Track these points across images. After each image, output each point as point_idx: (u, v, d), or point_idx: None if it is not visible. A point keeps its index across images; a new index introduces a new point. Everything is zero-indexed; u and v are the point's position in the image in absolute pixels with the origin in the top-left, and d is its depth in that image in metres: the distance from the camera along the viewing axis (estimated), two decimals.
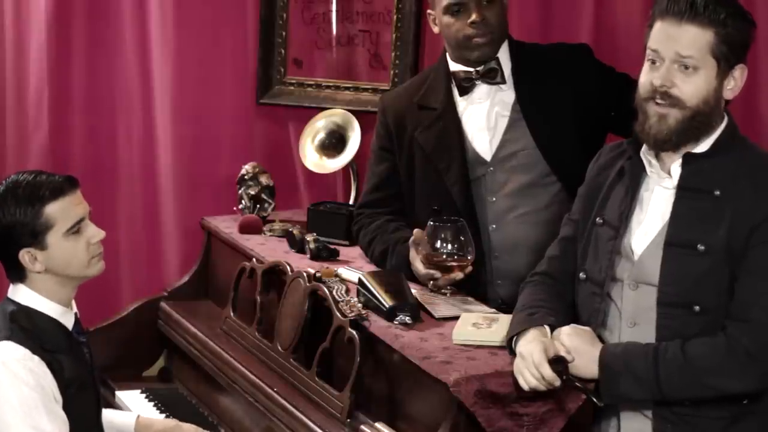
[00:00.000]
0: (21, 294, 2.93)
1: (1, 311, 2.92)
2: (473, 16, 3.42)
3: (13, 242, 2.88)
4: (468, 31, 3.45)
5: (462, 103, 3.54)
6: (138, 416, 3.28)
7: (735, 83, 2.78)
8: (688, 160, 2.79)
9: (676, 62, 2.74)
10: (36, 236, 2.87)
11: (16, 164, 4.63)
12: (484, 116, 3.51)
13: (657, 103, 2.76)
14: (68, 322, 2.96)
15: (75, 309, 3.02)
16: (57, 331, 2.92)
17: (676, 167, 2.81)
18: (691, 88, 2.74)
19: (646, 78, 2.78)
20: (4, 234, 2.88)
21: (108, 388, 3.81)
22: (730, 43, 2.73)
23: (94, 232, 2.94)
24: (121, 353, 3.95)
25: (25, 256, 2.88)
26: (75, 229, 2.91)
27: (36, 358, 2.83)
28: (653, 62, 2.77)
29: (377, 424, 2.95)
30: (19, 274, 2.93)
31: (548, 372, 2.71)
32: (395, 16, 4.28)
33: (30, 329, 2.87)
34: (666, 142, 2.78)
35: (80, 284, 3.00)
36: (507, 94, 3.50)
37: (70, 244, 2.90)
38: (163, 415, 3.63)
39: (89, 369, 3.01)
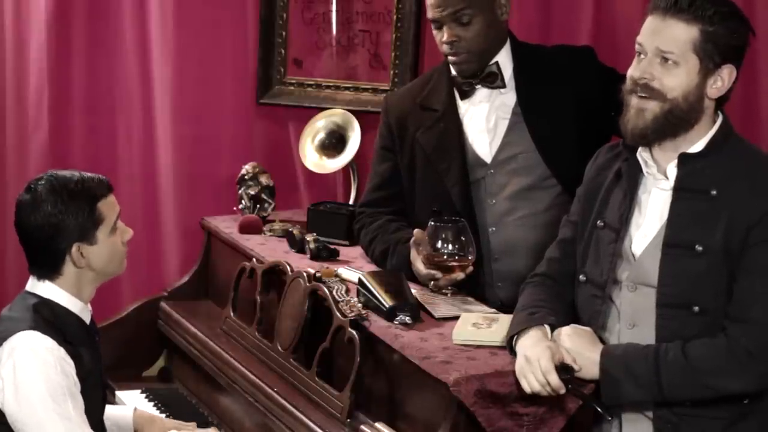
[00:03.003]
0: (42, 288, 2.98)
1: (22, 303, 2.96)
2: (444, 36, 3.43)
3: (65, 237, 2.93)
4: (444, 48, 3.46)
5: (463, 105, 3.53)
6: (135, 408, 3.31)
7: (722, 83, 2.76)
8: (684, 160, 2.79)
9: (657, 56, 2.74)
10: (87, 231, 2.94)
11: (16, 164, 4.64)
12: (485, 118, 3.51)
13: (639, 96, 2.76)
14: (86, 318, 3.02)
15: (89, 308, 3.06)
16: (77, 326, 2.97)
17: (672, 168, 2.81)
18: (672, 81, 2.74)
19: (630, 71, 2.79)
20: (57, 229, 2.93)
21: (108, 388, 3.79)
22: (716, 42, 2.72)
23: (126, 229, 3.05)
24: (121, 353, 3.95)
25: (75, 250, 2.94)
26: (115, 226, 2.99)
27: (62, 349, 2.87)
28: (639, 55, 2.78)
29: (377, 424, 2.95)
30: (54, 271, 2.96)
31: (555, 380, 2.70)
32: (395, 16, 4.28)
33: (53, 321, 2.92)
34: (643, 137, 2.78)
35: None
36: (508, 97, 3.50)
37: (112, 240, 2.99)
38: (164, 415, 3.63)
39: (100, 367, 3.04)
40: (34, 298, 2.96)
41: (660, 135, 2.77)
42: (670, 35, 2.73)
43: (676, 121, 2.76)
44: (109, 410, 3.26)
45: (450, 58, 3.47)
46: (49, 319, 2.91)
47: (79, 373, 2.90)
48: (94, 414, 3.00)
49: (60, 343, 2.88)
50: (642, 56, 2.78)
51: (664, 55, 2.73)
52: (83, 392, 2.91)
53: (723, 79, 2.76)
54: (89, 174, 3.00)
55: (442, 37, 3.44)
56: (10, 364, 2.85)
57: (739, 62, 2.78)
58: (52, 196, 2.93)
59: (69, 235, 2.93)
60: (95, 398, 3.00)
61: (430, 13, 3.45)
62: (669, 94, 2.74)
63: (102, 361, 3.08)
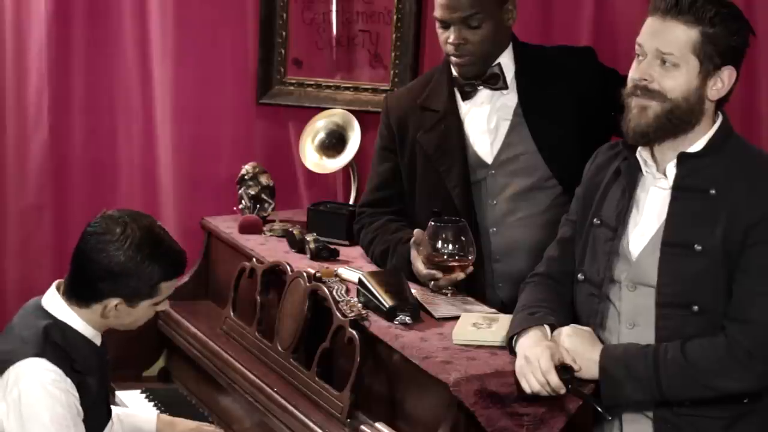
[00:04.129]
0: (57, 306, 2.92)
1: (34, 321, 2.89)
2: (451, 38, 3.42)
3: (114, 289, 2.88)
4: (448, 49, 3.45)
5: (464, 106, 3.53)
6: (158, 414, 3.32)
7: (722, 84, 2.76)
8: (683, 159, 2.79)
9: (657, 57, 2.74)
10: (136, 297, 2.91)
11: (16, 164, 4.64)
12: (486, 119, 3.50)
13: (638, 97, 2.76)
14: (97, 341, 2.98)
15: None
16: (88, 350, 2.93)
17: (671, 167, 2.80)
18: (671, 83, 2.73)
19: (630, 73, 2.79)
20: (114, 279, 2.87)
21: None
22: (717, 44, 2.71)
23: (165, 305, 3.02)
24: (121, 353, 3.92)
25: (113, 304, 2.89)
26: (160, 301, 2.97)
27: (68, 380, 2.84)
28: (638, 56, 2.78)
29: (377, 424, 2.95)
30: (82, 301, 2.90)
31: (555, 380, 2.70)
32: (395, 16, 4.28)
33: (63, 347, 2.86)
34: (644, 136, 2.78)
35: None
36: (509, 98, 3.50)
37: (149, 309, 2.97)
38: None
39: (107, 386, 3.04)
40: (47, 318, 2.89)
41: (661, 134, 2.77)
42: (670, 37, 2.73)
43: (677, 121, 2.76)
44: (130, 414, 3.26)
45: (453, 59, 3.47)
46: (60, 345, 2.85)
47: (84, 403, 2.87)
48: (97, 429, 2.99)
49: (67, 373, 2.83)
50: (642, 58, 2.77)
51: (664, 56, 2.73)
52: (86, 417, 2.88)
53: (723, 81, 2.76)
54: (178, 247, 2.94)
55: (448, 37, 3.43)
56: (15, 392, 2.81)
57: (740, 64, 2.78)
58: (132, 251, 2.85)
59: (119, 290, 2.88)
60: (99, 417, 2.99)
61: (439, 13, 3.43)
62: (669, 95, 2.74)
63: (109, 375, 3.06)
